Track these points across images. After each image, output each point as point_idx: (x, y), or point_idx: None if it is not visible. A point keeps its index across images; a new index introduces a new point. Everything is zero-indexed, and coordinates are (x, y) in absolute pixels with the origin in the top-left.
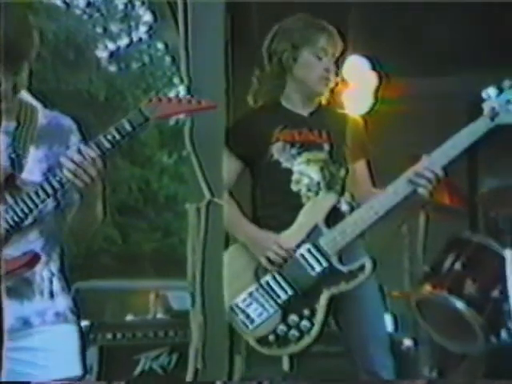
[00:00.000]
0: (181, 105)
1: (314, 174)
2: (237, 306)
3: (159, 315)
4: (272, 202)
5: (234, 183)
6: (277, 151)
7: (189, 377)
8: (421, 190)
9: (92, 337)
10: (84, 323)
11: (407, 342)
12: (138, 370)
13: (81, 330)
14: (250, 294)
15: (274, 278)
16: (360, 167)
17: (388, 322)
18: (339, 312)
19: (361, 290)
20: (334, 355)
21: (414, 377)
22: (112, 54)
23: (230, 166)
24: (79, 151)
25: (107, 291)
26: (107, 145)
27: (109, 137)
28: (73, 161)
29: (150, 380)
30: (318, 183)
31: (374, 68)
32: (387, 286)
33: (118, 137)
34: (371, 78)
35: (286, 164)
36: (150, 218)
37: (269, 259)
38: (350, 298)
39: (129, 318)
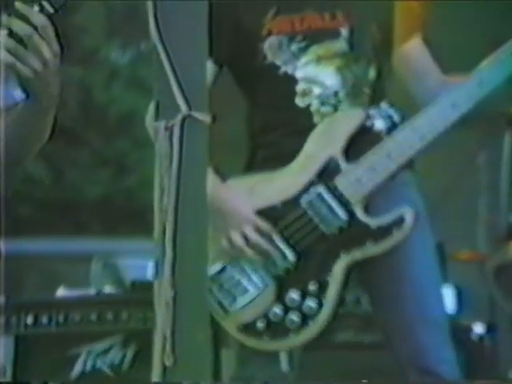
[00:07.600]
0: None
1: (329, 78)
2: (211, 278)
3: (106, 289)
4: (272, 126)
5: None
6: (270, 50)
7: (154, 378)
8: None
9: (3, 321)
10: None
11: (478, 328)
12: (77, 370)
13: None
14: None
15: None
16: (415, 47)
17: (449, 297)
18: (368, 283)
19: (402, 250)
20: (365, 346)
21: (488, 377)
22: None
23: None
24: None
25: (27, 256)
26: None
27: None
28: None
29: None
30: (336, 93)
31: None
32: (450, 245)
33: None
34: None
35: (285, 68)
36: (93, 147)
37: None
38: (383, 264)
39: (60, 293)
